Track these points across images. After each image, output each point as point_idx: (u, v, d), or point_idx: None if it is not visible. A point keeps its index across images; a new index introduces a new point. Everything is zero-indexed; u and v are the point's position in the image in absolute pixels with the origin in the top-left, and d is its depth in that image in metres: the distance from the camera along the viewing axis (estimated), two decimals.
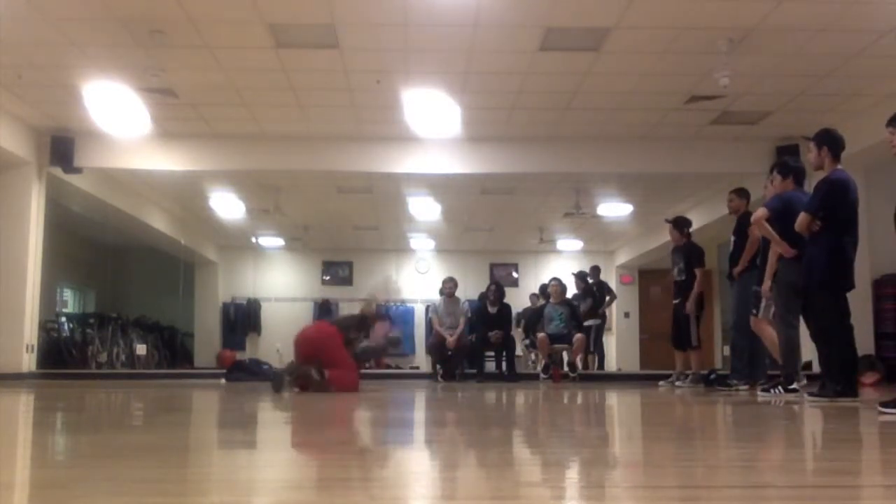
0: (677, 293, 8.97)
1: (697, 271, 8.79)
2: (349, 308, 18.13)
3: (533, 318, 11.75)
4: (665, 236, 9.32)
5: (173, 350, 16.61)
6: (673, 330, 9.08)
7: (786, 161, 7.08)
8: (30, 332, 10.16)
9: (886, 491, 2.10)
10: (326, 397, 6.56)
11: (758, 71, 8.08)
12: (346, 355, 7.28)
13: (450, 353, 10.81)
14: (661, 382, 9.26)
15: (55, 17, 7.07)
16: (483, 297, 11.44)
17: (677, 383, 8.84)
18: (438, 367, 10.95)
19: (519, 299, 15.92)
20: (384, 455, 2.89)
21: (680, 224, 9.12)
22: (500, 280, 13.92)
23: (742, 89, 8.53)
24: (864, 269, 6.75)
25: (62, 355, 12.69)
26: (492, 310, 11.07)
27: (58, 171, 10.33)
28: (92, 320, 14.38)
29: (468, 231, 16.23)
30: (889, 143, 5.15)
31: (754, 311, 6.97)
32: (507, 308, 11.34)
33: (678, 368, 9.13)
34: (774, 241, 6.27)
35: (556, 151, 10.57)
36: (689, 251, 8.97)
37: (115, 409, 5.54)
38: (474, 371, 10.87)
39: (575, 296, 12.20)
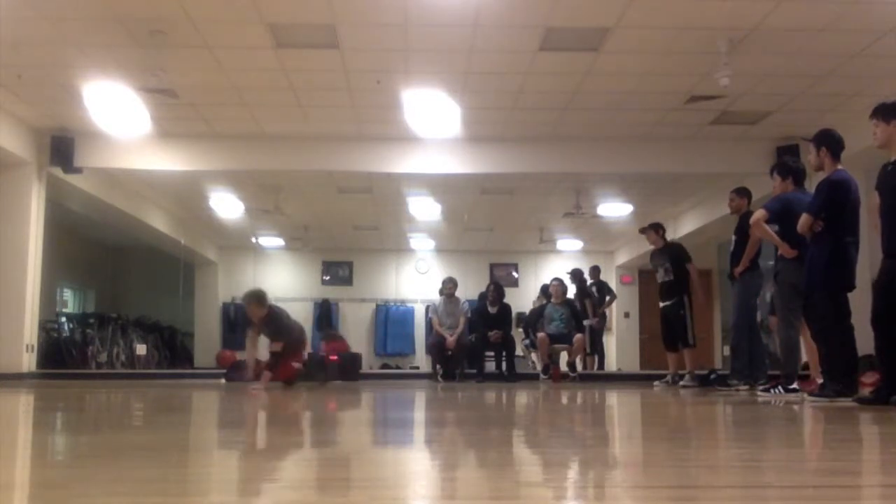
0: (665, 295, 9.02)
1: (690, 267, 8.90)
2: (350, 308, 18.26)
3: (532, 318, 11.76)
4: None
5: (173, 350, 16.62)
6: (664, 332, 9.13)
7: (785, 162, 7.09)
8: (30, 332, 10.15)
9: (886, 491, 2.10)
10: (329, 397, 6.57)
11: (758, 71, 8.08)
12: None
13: (449, 353, 10.82)
14: (656, 382, 9.27)
15: (55, 17, 7.07)
16: (483, 297, 11.45)
17: (681, 383, 8.85)
18: (438, 367, 10.96)
19: (519, 299, 15.94)
20: (384, 455, 2.89)
21: (657, 227, 9.28)
22: (499, 280, 13.94)
23: (742, 89, 8.53)
24: (864, 269, 6.73)
25: (62, 355, 12.69)
26: (492, 310, 11.07)
27: (58, 171, 10.32)
28: (92, 320, 14.39)
29: (468, 231, 16.22)
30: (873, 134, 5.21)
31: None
32: (507, 308, 11.35)
33: (672, 369, 9.16)
34: (774, 241, 6.28)
35: (556, 151, 10.57)
36: (672, 251, 9.09)
37: (115, 409, 5.54)
38: (474, 371, 10.88)
39: (574, 295, 12.21)
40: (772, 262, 6.98)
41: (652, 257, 9.38)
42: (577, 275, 13.00)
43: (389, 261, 18.41)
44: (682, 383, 8.83)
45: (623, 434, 3.94)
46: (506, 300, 11.38)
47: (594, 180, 12.27)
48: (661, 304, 9.12)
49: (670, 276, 8.92)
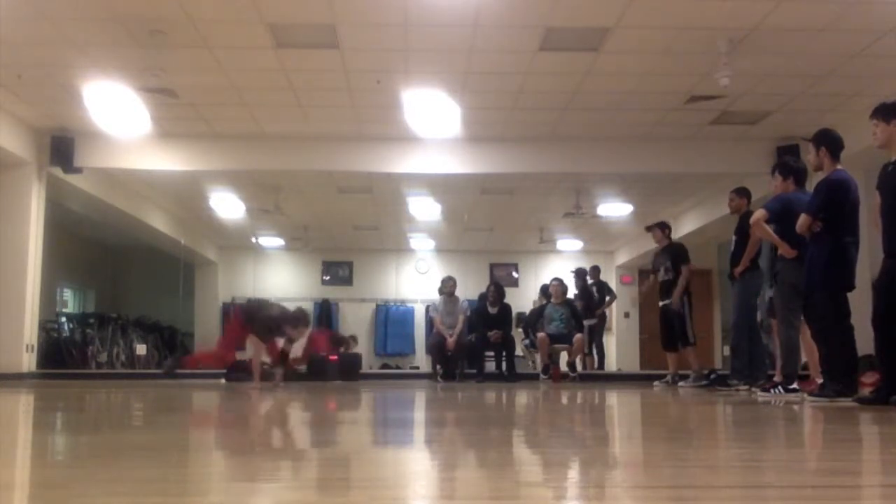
0: (664, 294, 9.03)
1: (685, 268, 8.87)
2: (350, 308, 18.26)
3: (532, 318, 11.76)
4: None
5: (173, 350, 16.62)
6: (662, 331, 9.14)
7: (786, 161, 7.09)
8: (30, 332, 10.15)
9: (886, 491, 2.10)
10: (329, 397, 6.56)
11: (758, 71, 8.08)
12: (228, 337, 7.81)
13: (449, 352, 10.83)
14: (655, 383, 9.27)
15: (55, 17, 7.07)
16: (483, 297, 11.45)
17: (681, 384, 8.84)
18: (438, 367, 10.96)
19: (519, 299, 15.95)
20: (384, 455, 2.89)
21: (662, 226, 9.31)
22: (499, 280, 13.94)
23: (742, 89, 8.53)
24: (865, 269, 6.73)
25: (62, 355, 12.70)
26: (492, 310, 11.07)
27: (58, 171, 10.32)
28: (92, 320, 14.41)
29: (468, 231, 16.22)
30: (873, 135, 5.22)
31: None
32: (507, 308, 11.35)
33: (672, 369, 9.16)
34: (774, 241, 6.28)
35: (556, 151, 10.57)
36: (673, 251, 9.08)
37: (115, 409, 5.54)
38: (474, 371, 10.88)
39: (575, 295, 12.20)
40: (764, 262, 6.99)
41: (655, 256, 9.38)
42: (580, 274, 12.99)
43: (389, 261, 18.41)
44: (681, 384, 8.82)
45: (623, 434, 3.94)
46: (506, 300, 11.38)
47: (594, 180, 12.27)
48: (661, 303, 9.13)
49: (670, 275, 8.94)
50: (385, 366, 17.11)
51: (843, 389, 5.48)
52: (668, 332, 9.02)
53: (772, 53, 7.69)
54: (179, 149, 10.53)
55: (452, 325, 10.95)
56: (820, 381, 5.91)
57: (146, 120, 9.28)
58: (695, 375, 8.83)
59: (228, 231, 16.22)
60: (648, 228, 9.55)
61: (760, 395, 6.46)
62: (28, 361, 10.09)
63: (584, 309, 12.00)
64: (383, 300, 18.32)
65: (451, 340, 10.74)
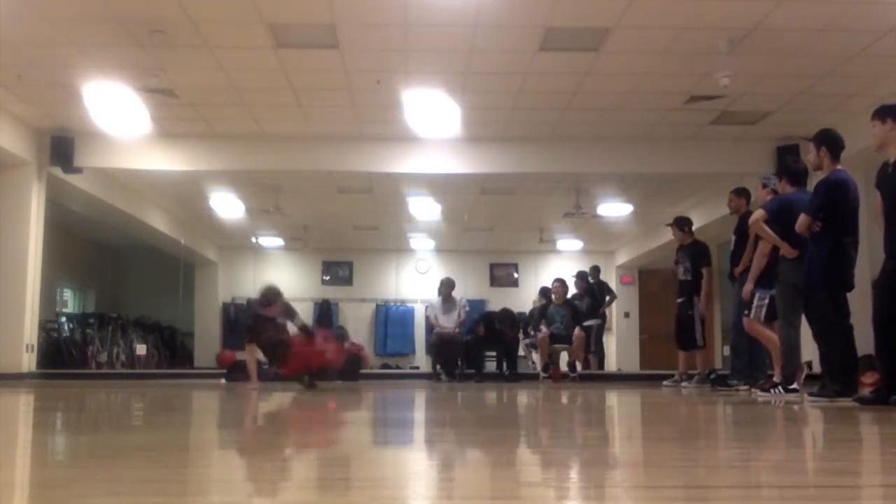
0: (681, 292, 8.99)
1: (705, 271, 8.80)
2: (350, 308, 18.25)
3: (532, 318, 11.78)
4: (666, 236, 9.40)
5: (173, 350, 16.62)
6: (676, 329, 9.09)
7: (785, 162, 7.09)
8: (30, 332, 10.15)
9: (886, 491, 2.10)
10: (326, 397, 6.56)
11: (758, 71, 8.08)
12: None
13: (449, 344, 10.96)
14: (665, 382, 9.25)
15: (55, 17, 7.07)
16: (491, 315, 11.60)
17: (683, 383, 8.83)
18: (438, 367, 10.99)
19: (519, 300, 15.95)
20: (384, 455, 2.89)
21: (681, 223, 9.17)
22: (499, 278, 13.97)
23: (742, 89, 8.53)
24: (864, 269, 6.73)
25: (62, 355, 12.70)
26: (500, 326, 11.15)
27: (58, 171, 10.32)
28: (92, 320, 14.41)
29: (468, 231, 16.22)
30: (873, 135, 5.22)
31: (746, 312, 6.99)
32: (515, 321, 11.42)
33: (681, 368, 9.12)
34: (775, 241, 6.28)
35: (556, 151, 10.57)
36: (694, 250, 8.98)
37: (115, 409, 5.54)
38: (474, 371, 10.90)
39: (574, 295, 12.20)
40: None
41: (677, 252, 9.26)
42: (582, 276, 12.98)
43: (389, 261, 18.41)
44: (684, 384, 8.81)
45: (623, 434, 3.94)
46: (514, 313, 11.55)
47: (594, 180, 12.27)
48: (678, 300, 9.07)
49: (688, 275, 8.86)
50: (385, 366, 17.10)
51: (843, 389, 5.48)
52: (681, 331, 8.98)
53: (772, 53, 7.69)
54: (179, 149, 10.54)
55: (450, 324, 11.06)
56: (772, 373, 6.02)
57: (146, 120, 9.28)
58: (699, 377, 8.82)
59: (228, 231, 16.22)
60: (669, 225, 9.41)
61: (760, 395, 6.46)
62: (28, 361, 10.09)
63: (590, 308, 11.99)
64: (383, 300, 18.31)
65: (457, 331, 10.87)
